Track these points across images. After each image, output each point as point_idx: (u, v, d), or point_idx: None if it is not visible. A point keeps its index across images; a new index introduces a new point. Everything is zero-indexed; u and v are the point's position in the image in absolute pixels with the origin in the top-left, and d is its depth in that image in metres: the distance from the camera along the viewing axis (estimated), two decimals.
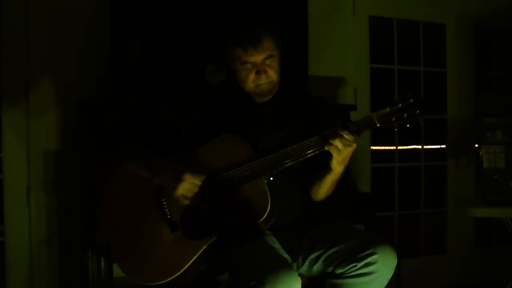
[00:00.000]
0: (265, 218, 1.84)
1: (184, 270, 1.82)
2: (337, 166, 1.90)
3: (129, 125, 2.08)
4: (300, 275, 1.99)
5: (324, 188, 2.00)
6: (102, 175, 2.01)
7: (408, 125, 1.86)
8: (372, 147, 3.69)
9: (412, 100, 1.84)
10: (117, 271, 2.48)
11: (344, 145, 1.83)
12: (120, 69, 2.80)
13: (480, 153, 3.14)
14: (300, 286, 1.73)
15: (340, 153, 1.84)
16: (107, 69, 2.85)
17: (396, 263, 1.85)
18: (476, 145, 3.29)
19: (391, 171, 3.78)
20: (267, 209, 1.83)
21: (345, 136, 1.83)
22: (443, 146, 3.99)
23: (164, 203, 1.90)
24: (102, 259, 2.45)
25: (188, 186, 1.83)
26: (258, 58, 1.93)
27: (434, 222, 4.03)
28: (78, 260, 2.80)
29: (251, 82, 1.95)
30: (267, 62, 1.94)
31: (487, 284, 3.73)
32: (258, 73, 1.94)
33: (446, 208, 3.94)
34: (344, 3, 3.54)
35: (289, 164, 1.88)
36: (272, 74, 1.96)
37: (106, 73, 2.86)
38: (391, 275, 1.85)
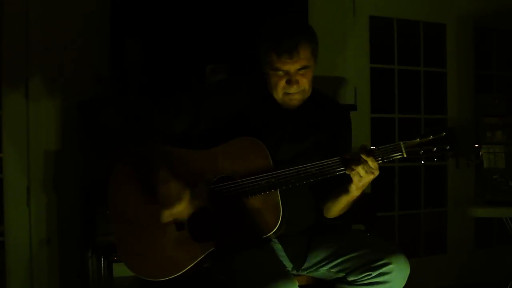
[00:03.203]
0: (273, 232, 1.80)
1: (185, 271, 1.81)
2: (355, 191, 1.84)
3: (137, 121, 2.03)
4: (304, 275, 1.99)
5: (338, 207, 1.95)
6: (102, 175, 2.00)
7: (435, 159, 1.78)
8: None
9: (444, 134, 1.76)
10: (117, 271, 2.49)
11: (367, 172, 1.77)
12: (120, 69, 2.80)
13: (480, 153, 3.13)
14: None
15: (361, 179, 1.78)
16: (107, 69, 2.85)
17: (409, 273, 1.83)
18: (476, 145, 3.28)
19: (391, 171, 3.78)
20: (276, 224, 1.79)
21: (369, 162, 1.76)
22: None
23: None
24: (102, 259, 2.45)
25: (179, 210, 1.79)
26: (292, 68, 1.84)
27: (434, 222, 4.02)
28: (78, 260, 2.80)
29: (280, 89, 1.87)
30: (301, 72, 1.86)
31: (487, 284, 3.73)
32: (289, 82, 1.85)
33: (446, 208, 3.93)
34: (344, 3, 3.54)
35: (306, 182, 1.82)
36: (304, 84, 1.88)
37: (106, 73, 2.86)
38: (403, 285, 1.84)
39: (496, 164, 3.10)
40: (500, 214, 3.03)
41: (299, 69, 1.85)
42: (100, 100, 2.76)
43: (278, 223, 1.79)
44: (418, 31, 3.86)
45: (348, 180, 1.81)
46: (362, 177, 1.78)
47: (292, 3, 3.23)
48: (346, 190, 1.85)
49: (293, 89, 1.87)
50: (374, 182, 1.85)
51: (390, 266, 1.79)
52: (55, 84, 2.89)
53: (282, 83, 1.86)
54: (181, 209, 1.79)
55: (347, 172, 1.79)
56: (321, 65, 3.51)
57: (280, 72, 1.85)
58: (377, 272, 1.79)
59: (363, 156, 1.76)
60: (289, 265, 1.96)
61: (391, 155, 1.79)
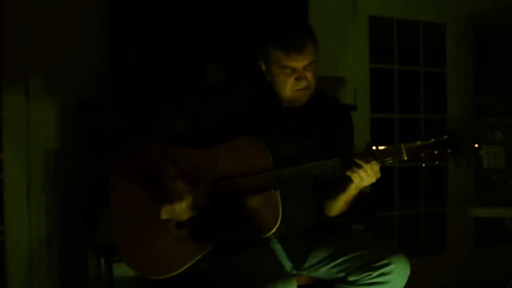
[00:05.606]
0: (273, 232, 1.80)
1: (184, 270, 1.82)
2: (354, 190, 1.84)
3: (139, 119, 2.02)
4: (303, 276, 1.99)
5: (337, 206, 1.94)
6: (102, 174, 2.00)
7: (437, 162, 1.76)
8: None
9: (446, 137, 1.74)
10: (117, 271, 2.49)
11: (368, 175, 1.76)
12: (120, 69, 2.80)
13: (480, 153, 3.13)
14: None
15: (362, 181, 1.78)
16: (107, 69, 2.85)
17: (409, 273, 1.83)
18: (476, 145, 3.28)
19: (391, 171, 3.78)
20: (276, 224, 1.78)
21: (371, 165, 1.75)
22: None
23: None
24: (102, 259, 2.45)
25: (179, 210, 1.80)
26: (300, 64, 1.83)
27: (434, 222, 4.02)
28: (78, 260, 2.80)
29: (289, 87, 1.87)
30: (308, 67, 1.86)
31: (487, 284, 3.73)
32: (298, 78, 1.85)
33: (446, 208, 3.94)
34: (344, 3, 3.54)
35: (306, 183, 1.81)
36: (312, 80, 1.88)
37: (106, 73, 2.86)
38: (404, 285, 1.84)
39: (496, 164, 3.10)
40: (500, 214, 3.03)
41: (307, 65, 1.85)
42: (100, 100, 2.76)
43: (278, 223, 1.78)
44: (417, 31, 3.86)
45: (348, 180, 1.81)
46: (363, 179, 1.77)
47: (292, 3, 3.23)
48: (344, 189, 1.85)
49: (302, 84, 1.86)
50: (374, 182, 1.85)
51: (391, 266, 1.79)
52: (55, 84, 2.89)
53: (291, 80, 1.86)
54: (181, 209, 1.80)
55: (348, 174, 1.78)
56: (321, 65, 3.50)
57: (288, 70, 1.85)
58: (377, 272, 1.79)
59: (364, 159, 1.75)
60: (288, 265, 1.95)
61: (392, 158, 1.77)
